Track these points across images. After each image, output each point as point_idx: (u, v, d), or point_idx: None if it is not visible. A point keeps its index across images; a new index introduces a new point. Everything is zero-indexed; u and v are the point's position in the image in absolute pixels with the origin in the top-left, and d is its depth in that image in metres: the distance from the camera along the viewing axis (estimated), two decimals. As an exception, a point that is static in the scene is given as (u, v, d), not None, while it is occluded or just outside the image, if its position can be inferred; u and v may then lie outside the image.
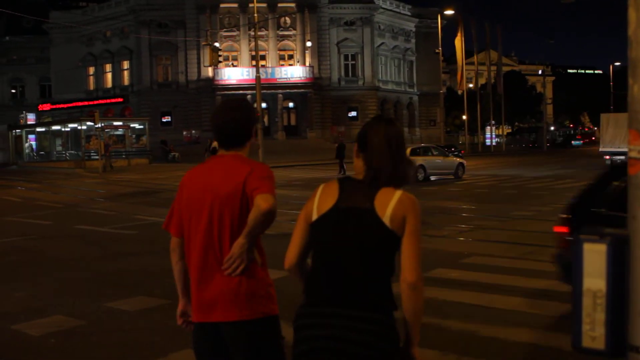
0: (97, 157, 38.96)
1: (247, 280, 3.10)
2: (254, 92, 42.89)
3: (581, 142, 79.91)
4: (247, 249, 3.07)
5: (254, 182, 3.06)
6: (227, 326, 3.11)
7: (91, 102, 63.72)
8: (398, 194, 2.69)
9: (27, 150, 54.57)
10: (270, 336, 3.15)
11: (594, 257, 1.80)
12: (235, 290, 3.09)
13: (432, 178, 28.60)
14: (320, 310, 2.69)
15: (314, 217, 2.76)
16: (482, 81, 65.42)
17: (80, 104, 64.36)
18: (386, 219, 2.64)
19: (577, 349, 1.85)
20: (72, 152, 48.18)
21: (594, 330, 1.80)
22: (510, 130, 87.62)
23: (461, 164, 30.44)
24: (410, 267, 2.65)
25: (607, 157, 30.36)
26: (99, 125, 40.87)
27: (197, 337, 3.25)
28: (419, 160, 27.63)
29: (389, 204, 2.66)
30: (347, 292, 2.66)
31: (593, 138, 78.58)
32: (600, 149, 32.31)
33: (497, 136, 70.53)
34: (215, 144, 41.33)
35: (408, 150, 29.19)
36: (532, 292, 7.92)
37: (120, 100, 64.04)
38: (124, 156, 46.55)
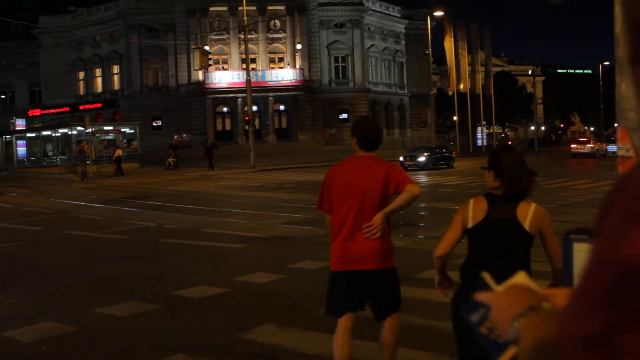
0: (87, 162, 38.66)
1: (385, 242, 4.71)
2: (245, 95, 42.87)
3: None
4: (385, 221, 4.63)
5: (399, 176, 4.72)
6: (375, 273, 4.68)
7: (81, 107, 63.57)
8: (533, 207, 3.77)
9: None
10: (397, 280, 4.88)
11: (584, 256, 1.80)
12: (381, 248, 4.68)
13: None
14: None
15: (470, 224, 3.86)
16: (472, 82, 65.43)
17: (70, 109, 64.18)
18: (527, 226, 3.73)
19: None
20: (63, 157, 47.90)
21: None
22: (500, 131, 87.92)
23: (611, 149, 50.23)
24: (559, 253, 3.32)
25: None
26: (90, 130, 40.66)
27: (337, 283, 4.78)
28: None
29: (527, 215, 3.75)
30: (499, 277, 3.13)
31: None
32: None
33: (487, 135, 70.80)
34: (119, 152, 40.99)
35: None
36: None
37: (110, 104, 63.88)
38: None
